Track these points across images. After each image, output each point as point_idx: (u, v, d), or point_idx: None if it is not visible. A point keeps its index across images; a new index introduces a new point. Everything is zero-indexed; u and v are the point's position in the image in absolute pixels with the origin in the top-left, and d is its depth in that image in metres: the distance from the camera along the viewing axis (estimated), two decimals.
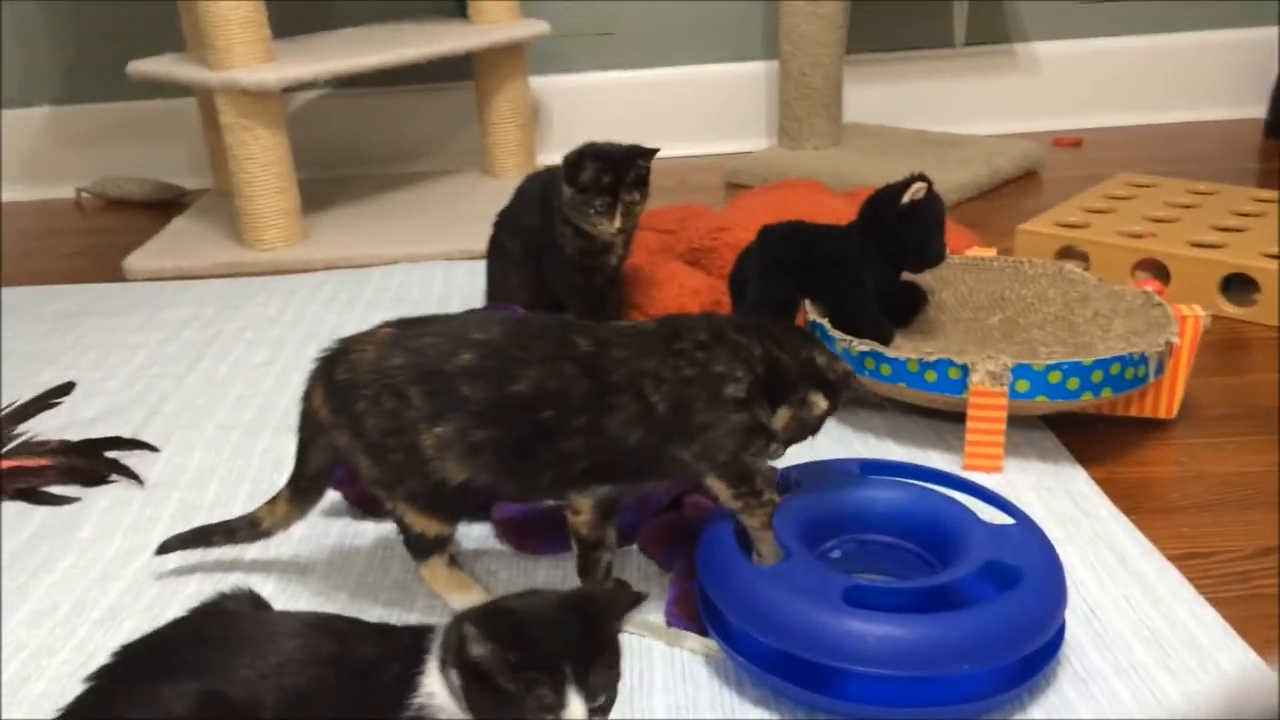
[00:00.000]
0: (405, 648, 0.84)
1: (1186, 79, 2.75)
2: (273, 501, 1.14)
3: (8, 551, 1.24)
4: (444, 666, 0.81)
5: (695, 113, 2.74)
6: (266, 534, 1.16)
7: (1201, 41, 2.72)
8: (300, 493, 1.13)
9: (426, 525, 1.05)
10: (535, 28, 2.38)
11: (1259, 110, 2.64)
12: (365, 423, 1.01)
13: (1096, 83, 2.76)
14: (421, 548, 1.07)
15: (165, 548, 1.17)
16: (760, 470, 1.01)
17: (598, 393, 0.99)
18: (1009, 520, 1.04)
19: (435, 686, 0.81)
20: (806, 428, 1.05)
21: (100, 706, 0.82)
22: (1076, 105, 2.76)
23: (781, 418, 1.03)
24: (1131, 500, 1.24)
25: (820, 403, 1.04)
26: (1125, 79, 2.75)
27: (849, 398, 1.08)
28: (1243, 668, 0.96)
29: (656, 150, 1.48)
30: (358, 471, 1.06)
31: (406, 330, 1.04)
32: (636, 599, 0.85)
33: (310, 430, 1.09)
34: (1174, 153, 2.52)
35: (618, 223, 1.47)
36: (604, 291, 1.62)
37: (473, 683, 0.79)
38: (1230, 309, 1.68)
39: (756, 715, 0.95)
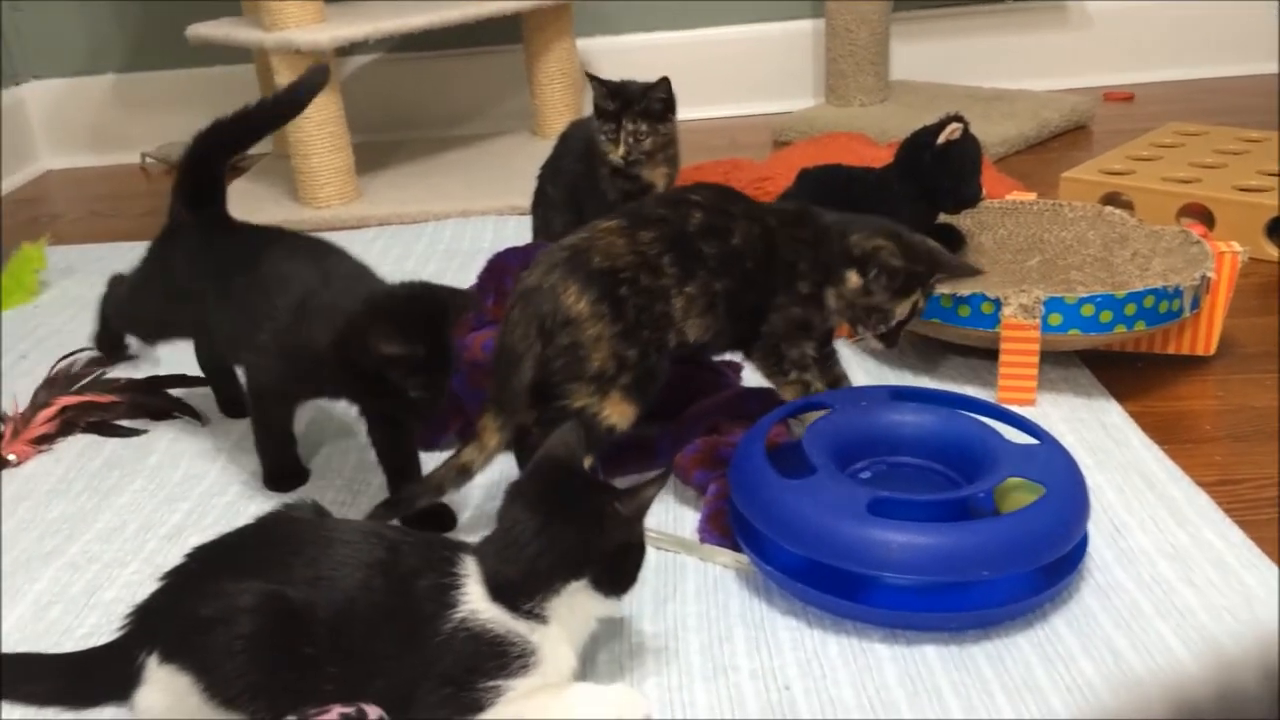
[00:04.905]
0: (440, 559, 0.89)
1: (1240, 32, 2.70)
2: (479, 438, 1.09)
3: (80, 478, 1.31)
4: (524, 599, 0.86)
5: (743, 73, 2.75)
6: (475, 474, 1.10)
7: None
8: (511, 415, 1.09)
9: (623, 413, 1.10)
10: None
11: None
12: (626, 305, 1.08)
13: (1149, 38, 2.72)
14: (596, 440, 1.08)
15: (374, 518, 1.09)
16: (789, 355, 1.17)
17: (768, 252, 1.14)
18: (1035, 442, 1.06)
19: (479, 604, 0.86)
20: (857, 307, 1.16)
21: (173, 601, 0.89)
22: (1128, 60, 2.73)
23: (831, 296, 1.17)
24: (1165, 432, 1.25)
25: (852, 278, 1.15)
26: (1178, 33, 2.71)
27: (886, 266, 1.15)
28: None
29: (665, 80, 1.55)
30: (574, 369, 1.07)
31: (631, 214, 1.13)
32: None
33: (529, 340, 1.07)
34: (1227, 105, 2.48)
35: (621, 149, 1.54)
36: None
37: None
38: (1275, 253, 1.67)
39: (785, 622, 0.99)
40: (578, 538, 0.86)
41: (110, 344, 1.57)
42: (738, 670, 0.94)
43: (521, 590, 0.86)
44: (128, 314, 1.48)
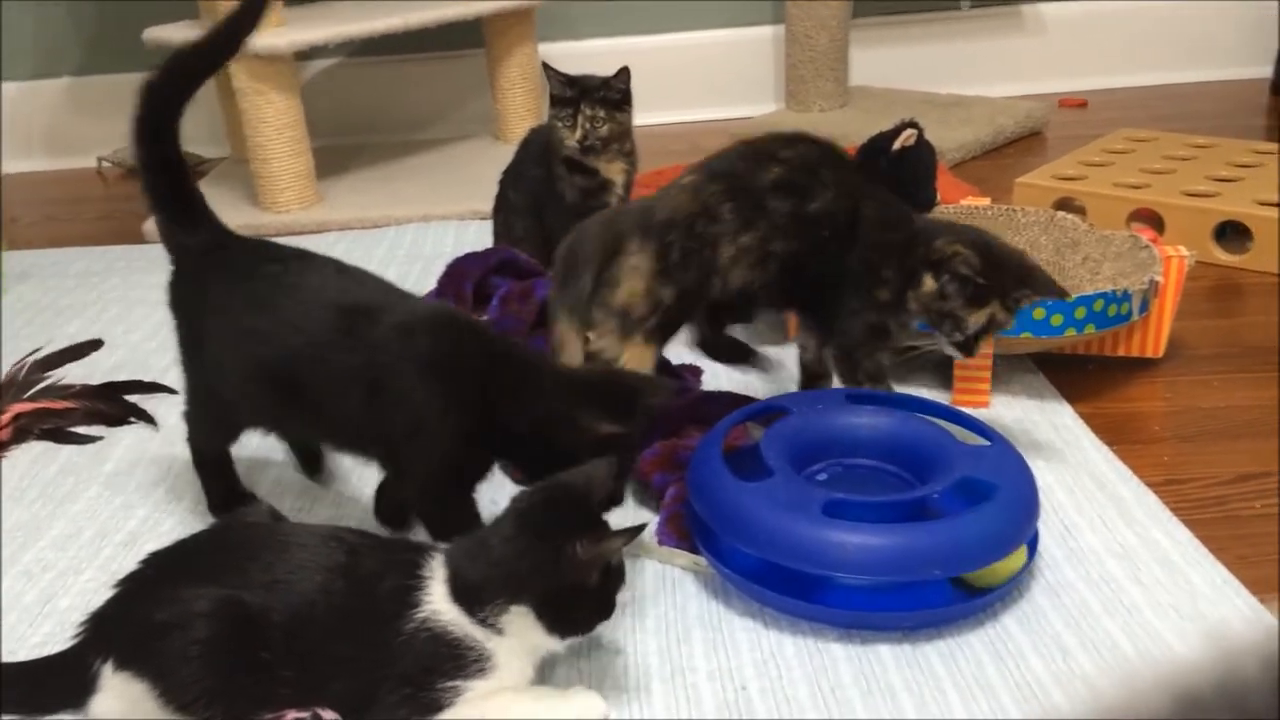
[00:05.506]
0: (402, 561, 0.90)
1: (1193, 39, 2.75)
2: (561, 349, 1.18)
3: (34, 486, 1.30)
4: (478, 607, 0.86)
5: (704, 78, 2.77)
6: None
7: (1207, 1, 2.72)
8: (584, 316, 1.17)
9: (641, 360, 1.15)
10: None
11: (1265, 69, 2.65)
12: (672, 248, 1.13)
13: (1103, 44, 2.77)
14: None
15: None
16: (864, 366, 1.20)
17: (851, 235, 1.15)
18: (987, 443, 1.08)
19: (441, 604, 0.87)
20: (932, 311, 1.16)
21: (128, 607, 0.88)
22: (1083, 67, 2.77)
23: (910, 299, 1.17)
24: (1115, 433, 1.28)
25: (928, 282, 1.16)
26: (1132, 40, 2.76)
27: (956, 274, 1.14)
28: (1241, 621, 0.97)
29: (626, 70, 1.60)
30: (603, 294, 1.15)
31: (706, 169, 1.17)
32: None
33: (594, 253, 1.17)
34: (1180, 111, 2.53)
35: (578, 133, 1.57)
36: None
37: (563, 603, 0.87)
38: (1224, 256, 1.71)
39: (742, 623, 1.00)
40: (528, 562, 0.86)
41: (225, 493, 1.20)
42: (695, 671, 0.95)
43: (476, 597, 0.86)
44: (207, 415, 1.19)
